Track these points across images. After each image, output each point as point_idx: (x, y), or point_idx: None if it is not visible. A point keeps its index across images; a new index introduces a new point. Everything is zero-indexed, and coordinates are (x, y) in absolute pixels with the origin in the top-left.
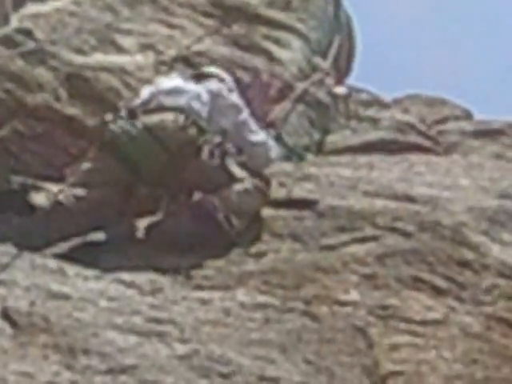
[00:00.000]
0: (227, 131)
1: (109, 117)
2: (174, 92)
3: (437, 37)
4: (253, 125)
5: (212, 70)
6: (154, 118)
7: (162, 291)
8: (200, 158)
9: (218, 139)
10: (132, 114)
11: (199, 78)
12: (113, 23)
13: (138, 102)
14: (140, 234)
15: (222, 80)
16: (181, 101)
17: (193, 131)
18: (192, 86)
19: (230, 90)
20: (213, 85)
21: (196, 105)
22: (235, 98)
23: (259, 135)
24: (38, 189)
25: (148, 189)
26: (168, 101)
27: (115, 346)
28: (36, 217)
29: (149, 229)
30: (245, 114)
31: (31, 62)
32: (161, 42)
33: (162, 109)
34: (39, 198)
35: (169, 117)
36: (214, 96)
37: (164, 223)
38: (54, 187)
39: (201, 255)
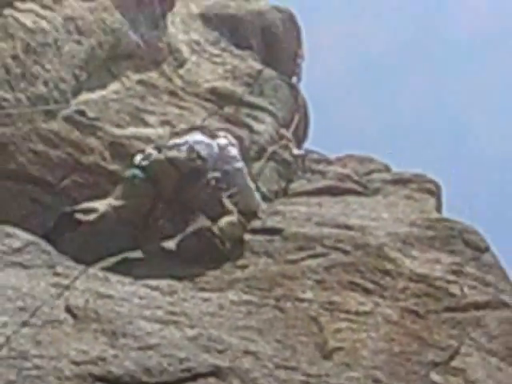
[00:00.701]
0: (229, 172)
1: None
2: (195, 142)
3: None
4: (246, 173)
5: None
6: (173, 152)
7: (176, 292)
8: (202, 182)
9: (217, 174)
10: (159, 150)
11: (213, 136)
12: (141, 106)
13: (168, 144)
14: (168, 247)
15: (227, 138)
16: (195, 146)
17: (199, 162)
18: (206, 139)
19: (232, 145)
20: (221, 140)
21: (203, 149)
22: (235, 151)
23: (251, 183)
24: (86, 211)
25: (165, 204)
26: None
27: (144, 331)
28: (84, 229)
29: (166, 249)
30: (241, 163)
31: (85, 133)
32: (174, 119)
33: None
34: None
35: (183, 150)
36: (221, 148)
37: (178, 246)
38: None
39: (203, 267)
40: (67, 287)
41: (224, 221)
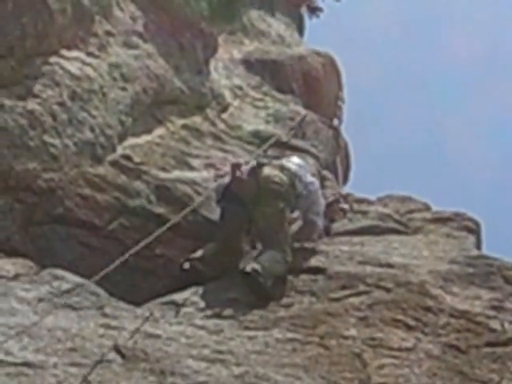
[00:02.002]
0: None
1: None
2: (289, 161)
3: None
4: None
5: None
6: (269, 171)
7: (222, 331)
8: (275, 207)
9: (295, 215)
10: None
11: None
12: (186, 150)
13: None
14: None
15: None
16: (291, 166)
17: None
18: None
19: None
20: (311, 178)
21: (301, 172)
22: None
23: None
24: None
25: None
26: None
27: (192, 369)
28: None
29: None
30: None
31: (131, 177)
32: (218, 162)
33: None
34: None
35: (277, 172)
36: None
37: (223, 286)
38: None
39: (248, 306)
40: (114, 328)
41: (267, 257)
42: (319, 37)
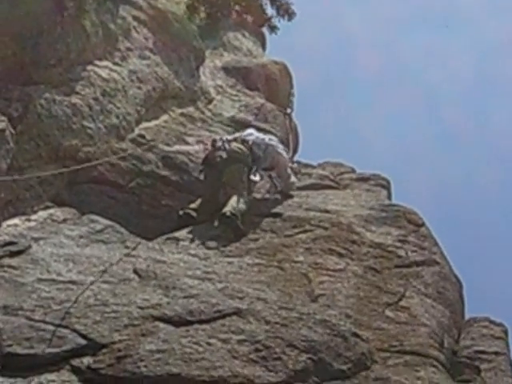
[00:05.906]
0: (274, 161)
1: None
2: (249, 135)
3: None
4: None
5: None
6: (234, 145)
7: (209, 258)
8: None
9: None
10: (227, 142)
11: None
12: (183, 131)
13: (233, 136)
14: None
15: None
16: (249, 138)
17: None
18: (261, 135)
19: (281, 142)
20: (270, 137)
21: (257, 140)
22: (281, 147)
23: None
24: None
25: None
26: (245, 137)
27: (187, 285)
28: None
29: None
30: (285, 161)
31: (145, 150)
32: (206, 139)
33: (240, 140)
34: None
35: (239, 145)
36: (270, 143)
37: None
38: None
39: (227, 240)
40: (134, 256)
41: (233, 200)
42: (276, 50)
